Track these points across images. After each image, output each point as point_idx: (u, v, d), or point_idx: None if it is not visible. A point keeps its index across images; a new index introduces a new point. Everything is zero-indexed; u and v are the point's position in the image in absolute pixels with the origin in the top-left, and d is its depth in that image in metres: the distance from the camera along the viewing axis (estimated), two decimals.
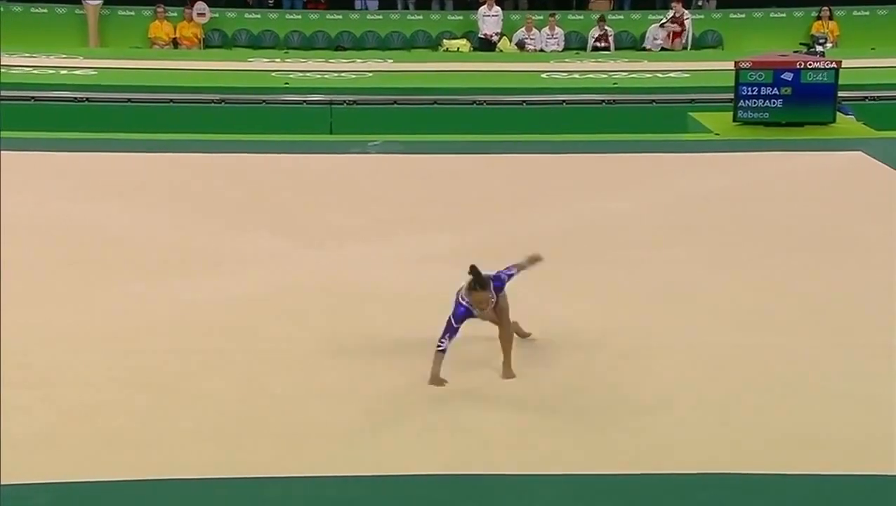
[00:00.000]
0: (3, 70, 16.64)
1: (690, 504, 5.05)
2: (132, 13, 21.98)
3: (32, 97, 15.21)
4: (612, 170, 11.71)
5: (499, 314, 6.13)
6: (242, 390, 6.09)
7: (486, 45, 21.81)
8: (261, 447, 5.46)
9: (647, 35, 22.10)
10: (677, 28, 21.80)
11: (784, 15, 22.83)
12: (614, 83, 16.61)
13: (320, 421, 5.73)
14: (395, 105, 15.36)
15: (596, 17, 22.42)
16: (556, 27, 22.18)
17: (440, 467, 5.28)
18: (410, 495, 5.09)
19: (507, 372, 6.18)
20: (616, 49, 21.97)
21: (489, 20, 22.01)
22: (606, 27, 22.08)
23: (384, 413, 5.84)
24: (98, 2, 21.45)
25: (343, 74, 17.39)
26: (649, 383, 6.23)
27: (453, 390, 6.07)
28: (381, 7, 23.39)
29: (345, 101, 15.35)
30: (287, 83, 16.37)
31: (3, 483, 5.05)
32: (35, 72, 16.87)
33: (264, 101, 15.39)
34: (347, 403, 5.95)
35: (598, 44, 21.95)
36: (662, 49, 21.71)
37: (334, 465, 5.29)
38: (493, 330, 6.31)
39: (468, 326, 6.16)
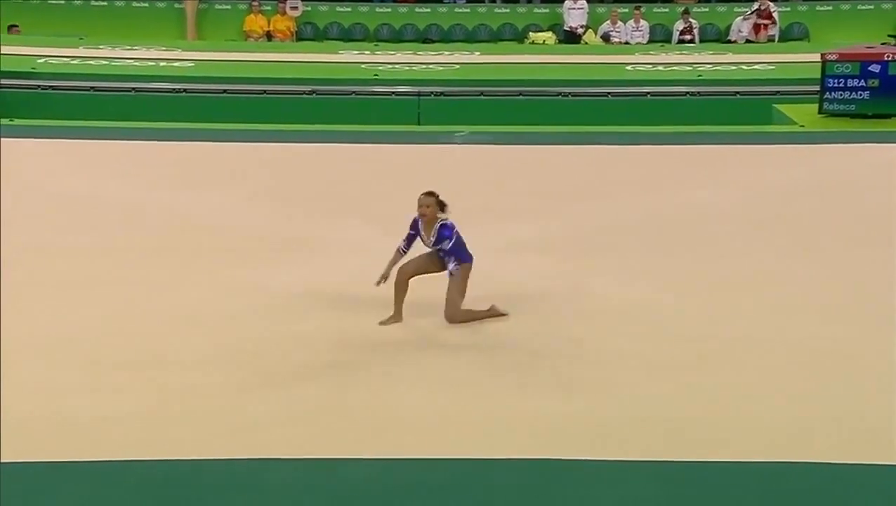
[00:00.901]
0: (107, 62, 17.28)
1: (769, 492, 5.11)
2: (228, 7, 22.57)
3: (133, 88, 15.73)
4: (697, 161, 11.82)
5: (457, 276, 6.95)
6: (334, 372, 6.37)
7: (571, 38, 21.87)
8: (349, 430, 5.69)
9: (733, 27, 22.01)
10: (765, 21, 21.67)
11: (871, 7, 22.54)
12: (699, 75, 16.63)
13: (407, 405, 5.97)
14: (482, 97, 15.56)
15: (681, 9, 22.39)
16: (641, 20, 22.20)
17: (520, 451, 5.46)
18: (491, 478, 5.25)
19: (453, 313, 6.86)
20: (701, 41, 21.90)
21: (574, 13, 22.09)
22: (691, 20, 22.03)
23: (467, 398, 6.05)
24: None
25: (431, 67, 17.58)
26: (731, 372, 6.37)
27: (532, 377, 6.27)
28: (468, 1, 23.64)
29: (432, 93, 15.60)
30: (376, 75, 16.65)
31: (104, 459, 5.30)
32: (136, 64, 17.40)
33: (354, 92, 15.67)
34: (432, 387, 6.19)
35: (682, 36, 21.91)
36: (747, 41, 21.60)
37: (421, 448, 5.51)
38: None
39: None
